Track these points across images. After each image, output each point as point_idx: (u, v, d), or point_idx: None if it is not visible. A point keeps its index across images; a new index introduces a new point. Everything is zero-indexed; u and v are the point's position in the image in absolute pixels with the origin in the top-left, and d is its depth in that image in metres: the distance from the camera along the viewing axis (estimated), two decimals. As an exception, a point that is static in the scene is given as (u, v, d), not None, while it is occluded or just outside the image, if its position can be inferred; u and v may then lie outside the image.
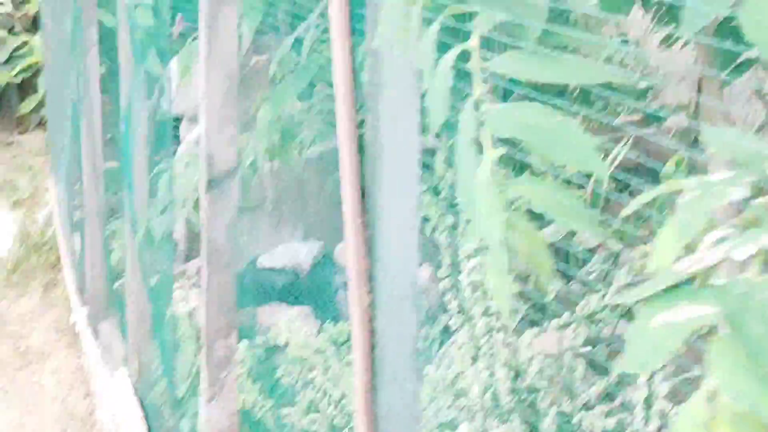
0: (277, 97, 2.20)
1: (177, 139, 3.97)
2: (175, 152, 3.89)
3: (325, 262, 3.75)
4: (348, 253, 1.28)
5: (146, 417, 2.81)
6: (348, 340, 3.03)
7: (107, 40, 3.94)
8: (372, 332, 1.27)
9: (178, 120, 4.03)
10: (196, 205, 3.18)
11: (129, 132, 3.07)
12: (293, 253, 3.78)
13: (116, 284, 4.01)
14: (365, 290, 1.24)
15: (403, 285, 1.24)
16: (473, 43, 0.96)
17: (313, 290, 3.59)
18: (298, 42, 2.90)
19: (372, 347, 1.28)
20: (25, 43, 6.63)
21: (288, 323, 2.91)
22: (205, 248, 2.03)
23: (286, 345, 2.89)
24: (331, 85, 2.38)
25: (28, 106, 6.86)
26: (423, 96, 1.14)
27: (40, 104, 6.65)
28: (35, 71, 6.57)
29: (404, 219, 1.21)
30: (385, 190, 1.20)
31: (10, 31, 6.55)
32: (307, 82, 2.19)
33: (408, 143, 1.19)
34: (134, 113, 2.98)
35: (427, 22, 1.01)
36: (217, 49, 1.93)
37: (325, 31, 3.00)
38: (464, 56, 0.97)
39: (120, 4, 2.94)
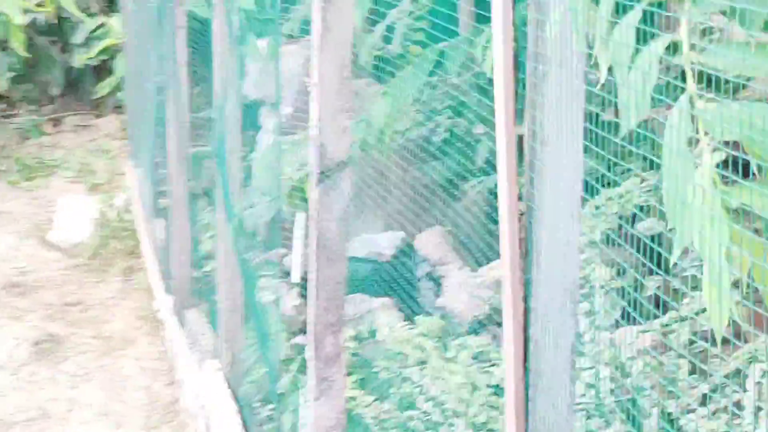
0: (395, 91, 2.11)
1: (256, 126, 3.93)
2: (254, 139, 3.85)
3: (407, 252, 3.68)
4: (502, 256, 1.19)
5: (240, 410, 2.77)
6: (442, 336, 2.93)
7: (192, 23, 3.91)
8: (526, 340, 1.18)
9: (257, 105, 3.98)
10: (291, 194, 3.12)
11: (223, 117, 3.01)
12: (375, 242, 3.71)
13: (201, 272, 3.98)
14: (520, 296, 1.14)
15: (561, 292, 1.14)
16: (682, 32, 0.85)
17: (395, 281, 3.51)
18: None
19: (525, 356, 1.18)
20: (102, 25, 6.47)
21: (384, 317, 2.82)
22: (314, 242, 1.96)
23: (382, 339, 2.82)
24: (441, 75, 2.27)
25: (104, 89, 6.73)
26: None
27: (117, 87, 6.57)
28: (112, 54, 6.45)
29: (565, 222, 1.11)
30: (546, 192, 1.11)
31: (87, 12, 6.39)
32: (425, 77, 2.10)
33: (572, 143, 1.09)
34: (229, 98, 2.91)
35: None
36: (332, 34, 1.85)
37: (419, 18, 2.85)
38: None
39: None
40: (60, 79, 6.75)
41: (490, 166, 3.48)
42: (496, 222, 3.62)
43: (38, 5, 6.19)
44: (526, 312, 1.15)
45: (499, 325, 3.45)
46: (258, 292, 3.12)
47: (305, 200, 3.01)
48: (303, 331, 3.52)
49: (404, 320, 3.01)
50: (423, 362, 2.58)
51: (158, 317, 4.52)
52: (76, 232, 5.65)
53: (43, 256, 5.49)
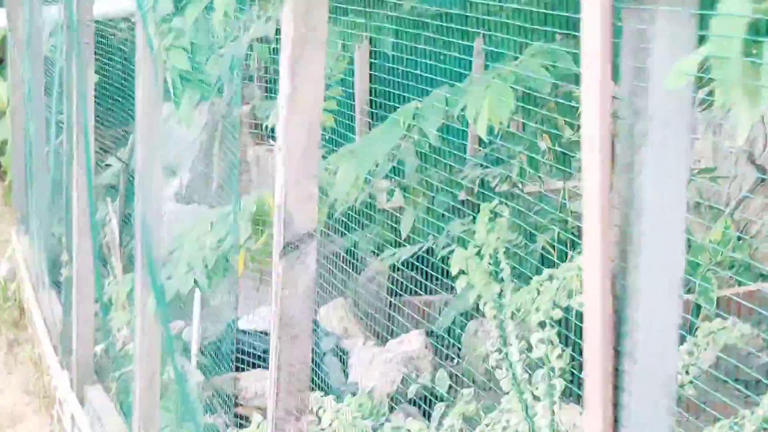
0: (362, 157, 1.98)
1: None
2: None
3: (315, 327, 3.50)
4: (588, 336, 1.07)
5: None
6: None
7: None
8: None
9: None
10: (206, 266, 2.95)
11: (143, 184, 2.81)
12: None
13: (105, 347, 3.73)
14: (610, 385, 1.03)
15: (658, 385, 1.03)
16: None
17: None
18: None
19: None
20: None
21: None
22: (277, 319, 1.79)
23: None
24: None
25: None
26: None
27: None
28: None
29: (664, 304, 1.02)
30: (643, 268, 1.01)
31: None
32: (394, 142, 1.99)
33: (675, 212, 1.01)
34: (151, 164, 2.75)
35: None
36: (300, 96, 1.73)
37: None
38: None
39: (140, 50, 2.68)
40: None
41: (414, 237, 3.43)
42: (400, 294, 3.60)
43: None
44: (616, 407, 1.04)
45: (414, 403, 3.39)
46: (176, 367, 2.91)
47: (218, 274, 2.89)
48: (209, 410, 3.34)
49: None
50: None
51: (50, 393, 4.33)
52: None
53: None
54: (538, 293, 1.80)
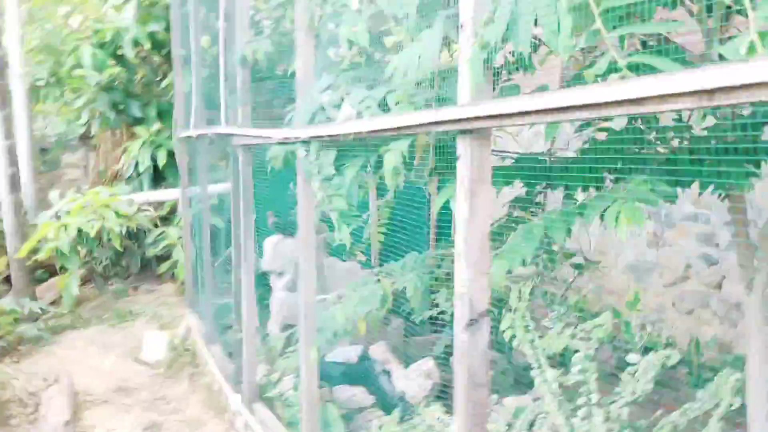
0: (509, 257, 2.70)
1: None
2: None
3: (365, 357, 5.95)
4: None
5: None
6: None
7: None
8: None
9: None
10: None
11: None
12: (347, 352, 6.00)
13: (268, 377, 5.85)
14: None
15: None
16: None
17: (363, 376, 5.67)
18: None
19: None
20: (162, 232, 10.43)
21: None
22: (464, 373, 2.53)
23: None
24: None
25: (163, 268, 10.54)
26: None
27: (171, 267, 10.37)
28: (168, 248, 10.26)
29: None
30: None
31: (155, 224, 10.47)
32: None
33: None
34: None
35: None
36: (476, 218, 2.50)
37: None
38: None
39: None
40: (137, 262, 10.67)
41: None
42: (412, 334, 6.17)
43: (128, 221, 9.74)
44: None
45: (440, 397, 5.22)
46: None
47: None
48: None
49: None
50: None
51: (223, 408, 6.27)
52: (156, 353, 7.98)
53: (136, 369, 7.71)
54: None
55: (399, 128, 2.93)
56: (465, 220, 2.51)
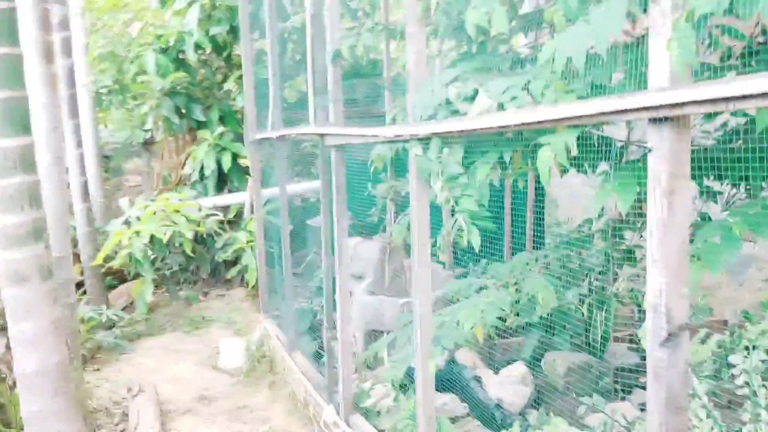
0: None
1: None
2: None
3: (452, 361, 5.76)
4: None
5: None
6: None
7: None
8: None
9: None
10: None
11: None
12: None
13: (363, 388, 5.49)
14: None
15: None
16: None
17: (453, 382, 5.40)
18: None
19: None
20: (231, 236, 10.25)
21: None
22: (660, 395, 2.23)
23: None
24: None
25: (233, 273, 10.34)
26: None
27: (241, 272, 10.23)
28: (237, 253, 10.11)
29: None
30: None
31: (223, 229, 10.38)
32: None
33: None
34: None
35: None
36: (675, 218, 2.20)
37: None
38: None
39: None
40: (207, 268, 10.37)
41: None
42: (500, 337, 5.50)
43: (198, 226, 9.71)
44: None
45: (536, 406, 5.04)
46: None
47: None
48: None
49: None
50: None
51: (310, 418, 6.02)
52: (234, 360, 7.73)
53: (215, 377, 7.51)
54: None
55: (558, 120, 2.63)
56: (660, 221, 2.22)
